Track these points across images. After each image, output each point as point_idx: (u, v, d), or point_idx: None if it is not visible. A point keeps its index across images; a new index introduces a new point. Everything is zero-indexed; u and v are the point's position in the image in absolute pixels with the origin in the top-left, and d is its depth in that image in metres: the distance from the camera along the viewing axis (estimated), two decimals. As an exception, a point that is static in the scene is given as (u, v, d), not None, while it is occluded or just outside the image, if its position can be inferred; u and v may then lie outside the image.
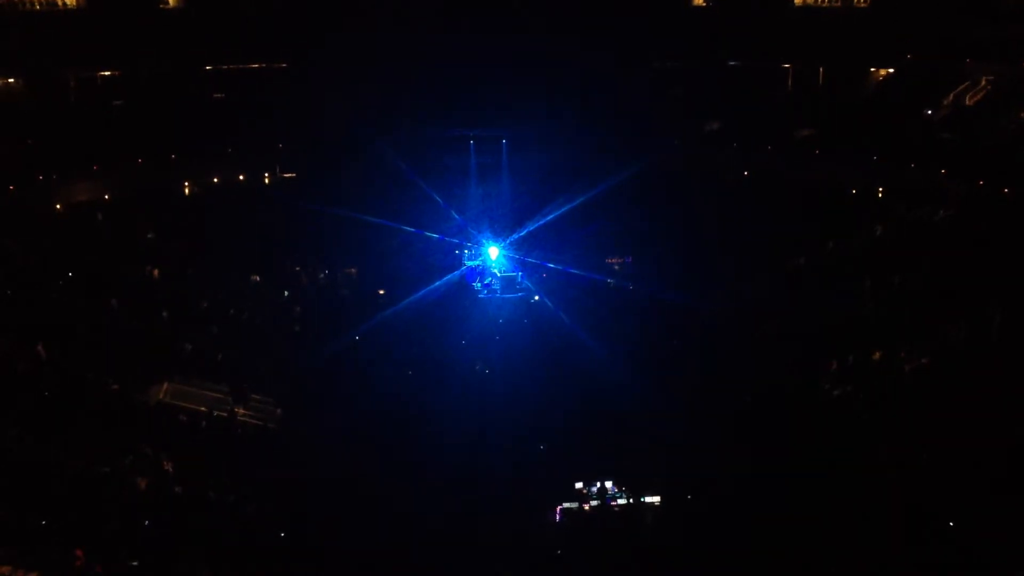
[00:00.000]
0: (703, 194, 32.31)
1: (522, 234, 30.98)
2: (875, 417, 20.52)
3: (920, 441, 18.92)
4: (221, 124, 34.09)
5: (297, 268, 29.51)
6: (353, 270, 29.95)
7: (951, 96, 34.24)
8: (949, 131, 32.90)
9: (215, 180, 34.03)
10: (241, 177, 34.56)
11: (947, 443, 18.44)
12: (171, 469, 18.59)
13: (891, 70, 36.19)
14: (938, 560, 15.74)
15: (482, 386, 23.34)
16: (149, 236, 29.72)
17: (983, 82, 33.97)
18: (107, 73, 35.15)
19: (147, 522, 16.59)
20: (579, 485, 18.90)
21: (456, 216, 31.94)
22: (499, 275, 29.89)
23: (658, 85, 36.21)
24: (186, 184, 33.57)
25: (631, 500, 18.79)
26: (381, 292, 28.51)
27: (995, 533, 15.86)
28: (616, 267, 30.54)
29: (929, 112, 34.29)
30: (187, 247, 29.12)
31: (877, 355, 22.79)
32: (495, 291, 29.50)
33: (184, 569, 15.45)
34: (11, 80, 33.25)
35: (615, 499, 18.84)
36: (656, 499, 18.77)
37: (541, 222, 30.94)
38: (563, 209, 30.85)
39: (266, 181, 34.99)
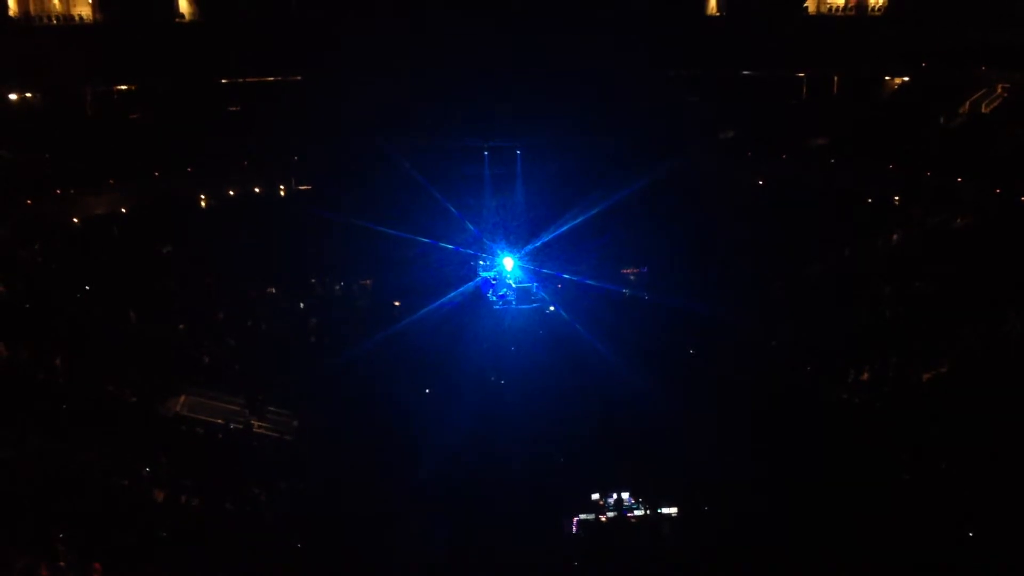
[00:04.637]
0: (718, 203, 32.23)
1: (537, 245, 30.95)
2: (894, 424, 20.39)
3: (939, 447, 18.80)
4: (236, 137, 34.24)
5: (313, 280, 29.59)
6: (368, 281, 30.00)
7: (967, 104, 34.07)
8: (965, 139, 32.72)
9: (231, 193, 34.20)
10: (257, 189, 34.75)
11: (966, 449, 18.34)
12: (188, 481, 18.66)
13: (906, 78, 36.06)
14: (957, 566, 15.63)
15: (497, 397, 23.32)
16: (166, 249, 29.86)
17: (999, 89, 33.79)
18: (123, 87, 35.38)
19: (164, 533, 16.67)
20: (596, 496, 18.84)
21: (471, 227, 31.95)
22: (514, 286, 29.92)
23: (673, 94, 36.14)
24: (202, 197, 33.75)
25: (648, 511, 18.69)
26: (396, 304, 28.54)
27: (1014, 538, 15.74)
28: (632, 277, 30.45)
29: (945, 120, 34.12)
30: (203, 259, 29.23)
31: (895, 362, 22.67)
32: (510, 302, 29.50)
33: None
34: (29, 94, 33.51)
35: (632, 510, 18.76)
36: (673, 510, 18.67)
37: (556, 233, 30.91)
38: (578, 220, 30.80)
39: (282, 193, 35.20)
